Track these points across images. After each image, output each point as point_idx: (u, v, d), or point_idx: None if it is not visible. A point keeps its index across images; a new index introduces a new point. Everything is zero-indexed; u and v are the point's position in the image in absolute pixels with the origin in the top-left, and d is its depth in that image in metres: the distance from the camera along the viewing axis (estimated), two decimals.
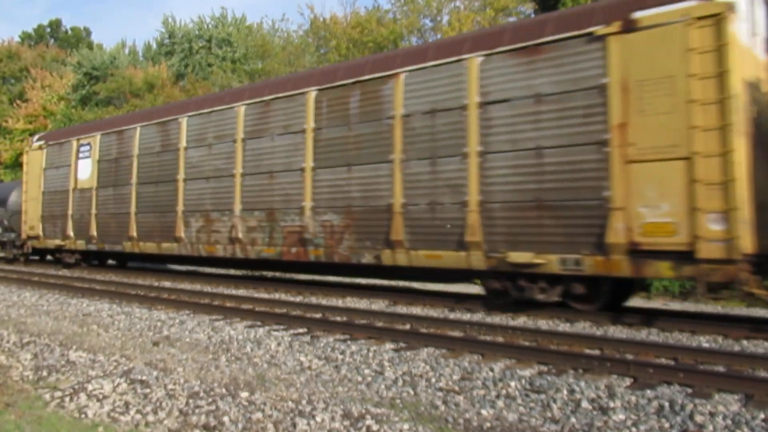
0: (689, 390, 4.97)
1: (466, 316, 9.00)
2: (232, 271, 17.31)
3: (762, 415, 4.30)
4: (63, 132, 19.42)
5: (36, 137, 19.84)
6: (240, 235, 12.45)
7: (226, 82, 27.48)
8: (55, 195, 18.19)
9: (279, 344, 7.00)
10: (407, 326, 8.02)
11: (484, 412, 4.58)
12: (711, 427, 4.16)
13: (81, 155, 17.26)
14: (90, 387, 5.13)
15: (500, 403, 4.74)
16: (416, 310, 9.68)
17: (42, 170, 18.82)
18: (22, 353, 6.71)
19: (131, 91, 31.20)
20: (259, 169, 12.34)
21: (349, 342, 7.04)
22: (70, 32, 57.50)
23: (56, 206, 18.13)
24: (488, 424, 4.32)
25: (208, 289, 12.86)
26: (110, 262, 19.69)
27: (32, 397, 5.13)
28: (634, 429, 4.16)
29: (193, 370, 5.86)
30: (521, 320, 8.62)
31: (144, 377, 5.40)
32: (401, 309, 9.76)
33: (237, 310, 9.27)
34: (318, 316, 8.90)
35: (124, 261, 19.52)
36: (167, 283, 14.05)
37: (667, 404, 4.57)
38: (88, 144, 17.08)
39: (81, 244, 17.07)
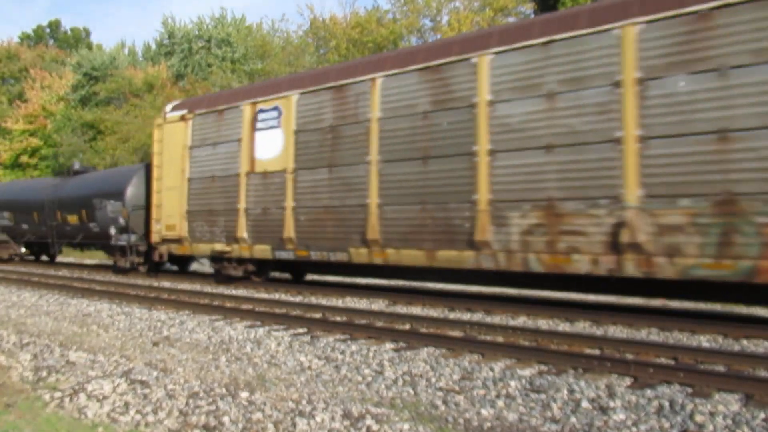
0: (689, 390, 4.96)
1: (466, 316, 9.00)
2: (231, 272, 17.20)
3: (762, 415, 4.30)
4: (223, 96, 13.81)
5: (171, 105, 14.80)
6: (641, 240, 7.70)
7: (226, 83, 27.49)
8: (213, 182, 13.04)
9: (279, 344, 7.00)
10: (407, 326, 8.02)
11: (484, 411, 4.57)
12: (711, 427, 4.16)
13: (260, 125, 12.15)
14: (90, 387, 5.12)
15: (500, 403, 4.74)
16: (416, 309, 9.67)
17: (186, 149, 13.68)
18: (22, 354, 6.71)
19: (131, 92, 31.22)
20: (692, 128, 7.44)
21: (349, 342, 7.03)
22: (69, 33, 57.52)
23: (215, 197, 12.98)
24: (488, 424, 4.32)
25: (207, 289, 12.85)
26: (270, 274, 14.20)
27: (32, 397, 5.12)
28: (634, 429, 4.15)
29: (193, 370, 5.85)
30: (521, 320, 8.62)
31: (144, 377, 5.39)
32: (401, 309, 9.76)
33: (237, 311, 9.26)
34: (318, 316, 8.90)
35: (300, 274, 14.36)
36: (167, 284, 14.03)
37: (667, 404, 4.57)
38: (275, 109, 11.97)
39: (262, 251, 12.05)
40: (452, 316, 9.07)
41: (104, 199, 16.33)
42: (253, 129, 12.25)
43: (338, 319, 8.60)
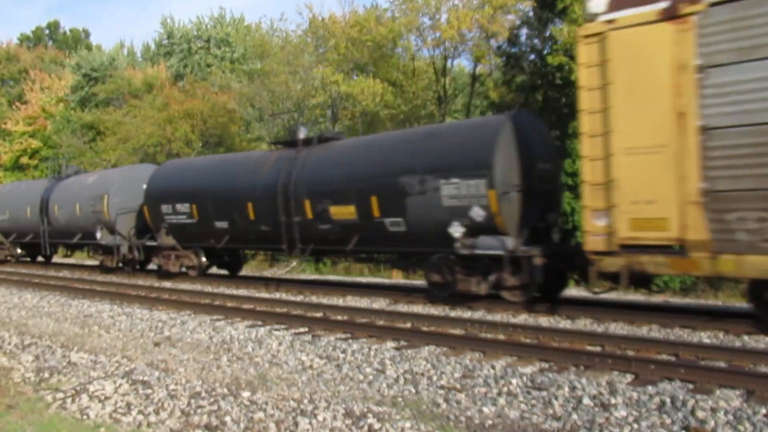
0: (690, 386, 4.97)
1: (467, 314, 9.00)
2: None
3: (763, 411, 4.30)
4: None
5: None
6: None
7: (225, 83, 27.47)
8: None
9: (280, 344, 7.00)
10: (408, 325, 8.02)
11: (485, 409, 4.58)
12: (712, 423, 4.16)
13: None
14: (92, 388, 5.14)
15: (502, 401, 4.74)
16: (417, 308, 9.67)
17: (689, 73, 6.92)
18: (24, 355, 6.72)
19: (130, 92, 31.22)
20: None
21: (350, 341, 7.04)
22: (68, 34, 57.49)
23: None
24: (490, 422, 4.32)
25: (208, 289, 12.85)
26: None
27: (34, 398, 5.14)
28: (635, 425, 4.16)
29: (194, 370, 5.86)
30: (522, 318, 8.62)
31: (146, 378, 5.40)
32: (402, 307, 9.75)
33: (238, 310, 9.27)
34: (319, 315, 8.90)
35: None
36: (168, 284, 14.03)
37: (668, 400, 4.57)
38: None
39: None
40: (453, 314, 9.06)
41: (430, 176, 9.63)
42: None
43: (339, 318, 8.60)
